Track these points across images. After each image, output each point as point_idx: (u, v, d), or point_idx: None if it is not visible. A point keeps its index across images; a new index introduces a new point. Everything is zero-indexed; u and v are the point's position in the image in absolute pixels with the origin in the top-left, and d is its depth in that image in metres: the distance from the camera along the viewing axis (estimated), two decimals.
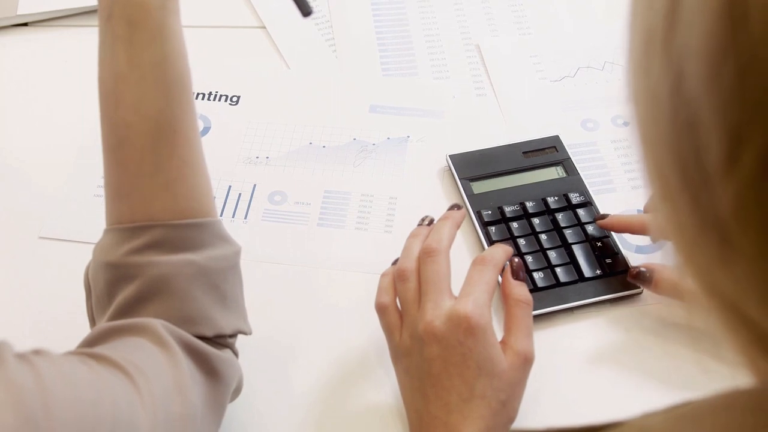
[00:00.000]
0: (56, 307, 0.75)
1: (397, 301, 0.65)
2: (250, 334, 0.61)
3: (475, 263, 0.64)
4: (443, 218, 0.68)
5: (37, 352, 0.46)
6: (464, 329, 0.59)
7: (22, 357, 0.45)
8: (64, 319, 0.73)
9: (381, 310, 0.65)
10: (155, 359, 0.52)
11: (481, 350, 0.59)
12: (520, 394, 0.62)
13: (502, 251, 0.66)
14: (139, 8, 0.56)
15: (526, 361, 0.61)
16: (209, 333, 0.57)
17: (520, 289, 0.64)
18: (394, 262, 0.69)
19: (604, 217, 0.75)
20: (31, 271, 0.78)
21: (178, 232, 0.57)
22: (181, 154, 0.58)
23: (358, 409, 0.68)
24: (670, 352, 0.71)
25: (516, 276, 0.65)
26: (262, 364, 0.70)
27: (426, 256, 0.64)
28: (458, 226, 0.68)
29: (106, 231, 0.59)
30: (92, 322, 0.61)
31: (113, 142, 0.58)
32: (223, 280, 0.59)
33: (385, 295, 0.66)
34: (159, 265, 0.56)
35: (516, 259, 0.66)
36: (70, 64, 0.98)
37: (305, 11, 0.63)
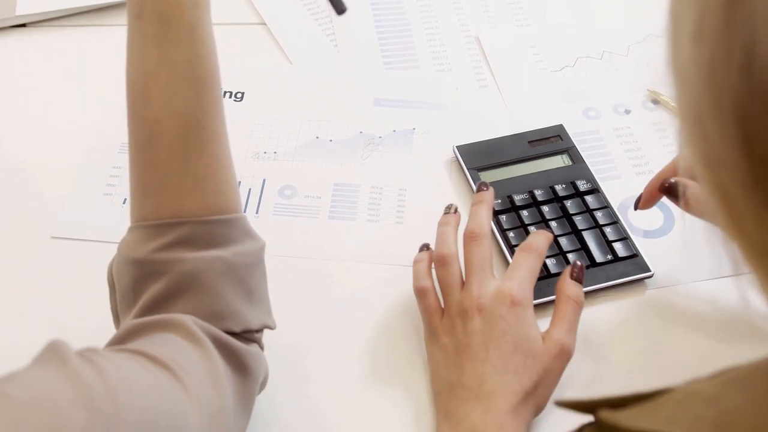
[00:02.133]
0: (71, 306, 0.75)
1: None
2: (275, 328, 0.62)
3: (522, 249, 0.68)
4: (478, 202, 0.71)
5: (92, 350, 0.47)
6: (508, 305, 0.64)
7: (82, 356, 0.45)
8: (79, 317, 0.73)
9: (422, 293, 0.68)
10: (189, 355, 0.53)
11: (520, 328, 0.63)
12: (552, 383, 0.64)
13: (544, 238, 0.70)
14: (173, 6, 0.56)
15: (562, 351, 0.64)
16: (237, 328, 0.57)
17: (574, 288, 0.66)
18: (422, 249, 0.72)
19: (638, 201, 0.75)
20: (45, 271, 0.78)
21: (206, 229, 0.57)
22: (210, 150, 0.58)
23: (377, 398, 0.69)
24: (679, 335, 0.72)
25: (576, 278, 0.67)
26: (279, 356, 0.71)
27: (470, 240, 0.68)
28: (492, 207, 0.72)
29: (132, 228, 0.59)
30: (116, 318, 0.61)
31: (141, 139, 0.58)
32: (249, 276, 0.59)
33: (424, 279, 0.69)
34: (188, 262, 0.56)
35: (579, 263, 0.68)
36: (71, 64, 0.98)
37: (339, 9, 0.64)
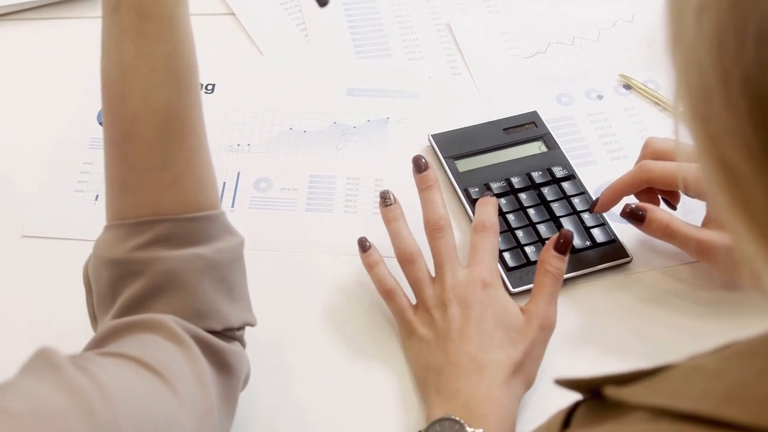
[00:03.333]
0: (45, 307, 0.73)
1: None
2: (256, 325, 0.61)
3: (476, 229, 0.69)
4: (427, 187, 0.71)
5: (82, 357, 0.46)
6: (480, 287, 0.66)
7: (75, 364, 0.44)
8: (53, 318, 0.72)
9: (390, 294, 0.68)
10: (174, 357, 0.52)
11: (496, 303, 0.65)
12: (539, 356, 0.65)
13: (492, 208, 0.71)
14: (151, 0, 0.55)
15: (543, 325, 0.65)
16: (218, 327, 0.57)
17: (555, 260, 0.67)
18: (365, 247, 0.71)
19: (595, 203, 0.75)
20: (17, 272, 0.76)
21: (185, 227, 0.56)
22: (189, 146, 0.57)
23: (361, 391, 0.69)
24: (661, 318, 0.73)
25: (561, 251, 0.67)
26: (260, 352, 0.70)
27: (435, 232, 0.69)
28: (440, 187, 0.72)
29: (108, 227, 0.58)
30: (93, 320, 0.60)
31: (118, 135, 0.57)
32: (230, 273, 0.58)
33: (387, 281, 0.69)
34: (167, 260, 0.55)
35: (567, 232, 0.67)
36: (37, 58, 0.96)
37: (322, 2, 0.63)
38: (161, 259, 0.55)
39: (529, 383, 0.64)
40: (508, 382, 0.62)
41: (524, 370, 0.64)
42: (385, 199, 0.72)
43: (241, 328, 0.60)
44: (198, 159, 0.58)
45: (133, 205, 0.56)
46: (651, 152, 0.73)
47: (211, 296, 0.56)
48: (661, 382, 0.38)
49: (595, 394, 0.42)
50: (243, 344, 0.61)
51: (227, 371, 0.57)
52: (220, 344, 0.56)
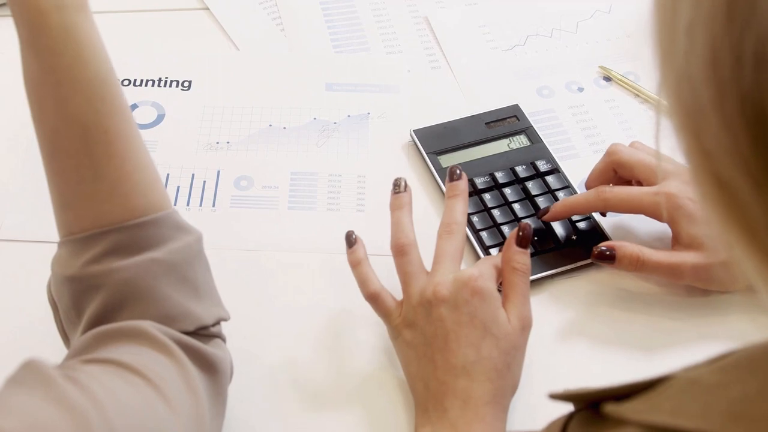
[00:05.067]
0: (23, 311, 0.72)
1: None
2: (229, 318, 0.60)
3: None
4: (453, 195, 0.69)
5: (71, 367, 0.44)
6: (470, 289, 0.62)
7: (65, 376, 0.43)
8: (30, 322, 0.70)
9: (374, 298, 0.66)
10: (162, 363, 0.51)
11: (486, 310, 0.62)
12: (522, 359, 0.64)
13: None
14: (35, 12, 0.52)
15: (524, 327, 0.63)
16: (191, 327, 0.55)
17: (519, 257, 0.65)
18: (350, 241, 0.69)
19: (546, 211, 0.75)
20: None
21: (133, 233, 0.54)
22: (118, 152, 0.55)
23: (346, 391, 0.68)
24: (647, 313, 0.73)
25: (523, 244, 0.65)
26: (242, 353, 0.69)
27: (446, 232, 0.67)
28: (467, 199, 0.70)
29: (60, 243, 0.57)
30: (65, 338, 0.59)
31: (47, 151, 0.55)
32: (191, 271, 0.57)
33: (371, 284, 0.67)
34: (122, 270, 0.53)
35: (525, 225, 0.66)
36: (4, 56, 0.94)
37: None
38: (116, 270, 0.53)
39: (514, 388, 0.63)
40: (496, 397, 0.60)
41: (510, 376, 0.62)
42: (396, 186, 0.70)
43: (216, 324, 0.58)
44: (132, 164, 0.55)
45: (75, 219, 0.55)
46: (615, 162, 0.74)
47: (175, 298, 0.55)
48: (659, 397, 0.37)
49: (589, 405, 0.42)
50: (222, 339, 0.60)
51: (212, 371, 0.56)
52: (201, 345, 0.55)
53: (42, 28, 0.53)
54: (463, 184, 0.70)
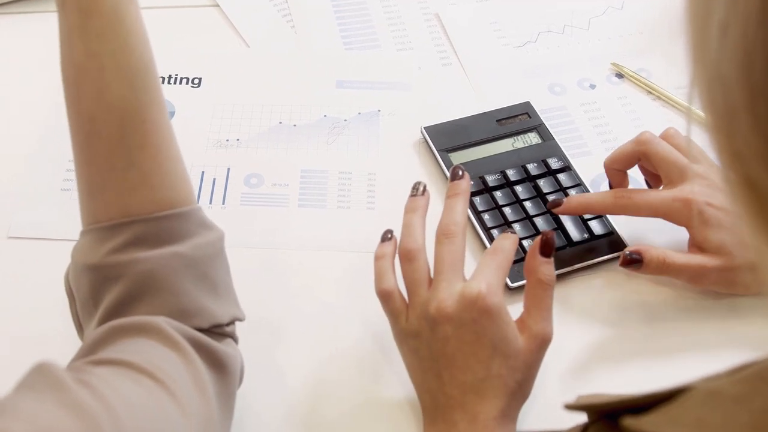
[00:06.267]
0: (33, 308, 0.72)
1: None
2: (244, 319, 0.60)
3: (487, 253, 0.64)
4: (454, 194, 0.66)
5: (82, 370, 0.44)
6: (478, 308, 0.59)
7: (77, 379, 0.43)
8: (41, 321, 0.70)
9: (385, 296, 0.63)
10: (172, 361, 0.51)
11: (495, 330, 0.59)
12: (535, 374, 0.62)
13: (510, 242, 0.64)
14: None
15: (543, 344, 0.61)
16: (205, 324, 0.55)
17: (545, 267, 0.62)
18: (385, 237, 0.67)
19: (558, 203, 0.73)
20: (3, 274, 0.74)
21: (159, 225, 0.54)
22: (153, 142, 0.55)
23: (354, 391, 0.68)
24: (661, 312, 0.72)
25: (546, 253, 0.62)
26: (252, 351, 0.69)
27: (444, 237, 0.63)
28: (469, 197, 0.67)
29: (83, 232, 0.56)
30: (79, 329, 0.59)
31: (80, 138, 0.55)
32: (212, 268, 0.57)
33: (386, 280, 0.63)
34: (144, 262, 0.53)
35: (548, 233, 0.63)
36: (16, 53, 0.94)
37: None
38: (138, 261, 0.53)
39: (525, 399, 0.61)
40: (505, 412, 0.59)
41: (522, 392, 0.60)
42: (413, 189, 0.68)
43: (231, 323, 0.58)
44: (164, 155, 0.56)
45: (103, 207, 0.55)
46: (643, 152, 0.73)
47: (194, 294, 0.55)
48: (679, 409, 0.37)
49: (604, 416, 0.41)
50: (235, 340, 0.59)
51: (222, 370, 0.55)
52: (213, 343, 0.55)
53: (93, 11, 0.53)
54: (464, 184, 0.67)
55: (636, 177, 0.77)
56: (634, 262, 0.68)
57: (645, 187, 0.76)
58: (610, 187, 0.76)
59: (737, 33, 0.28)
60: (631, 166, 0.75)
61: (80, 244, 0.56)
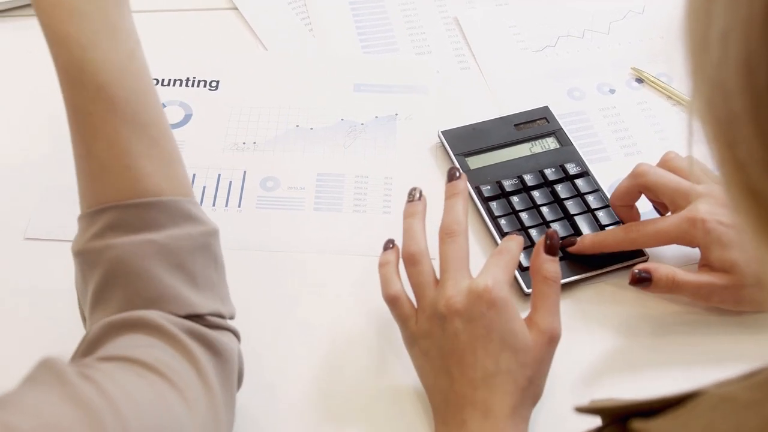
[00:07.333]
0: (49, 310, 0.72)
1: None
2: (233, 317, 0.59)
3: (493, 254, 0.65)
4: (452, 195, 0.67)
5: (86, 365, 0.44)
6: (486, 301, 0.60)
7: (80, 374, 0.43)
8: (56, 321, 0.70)
9: (393, 301, 0.64)
10: (174, 356, 0.51)
11: (503, 323, 0.60)
12: (546, 372, 0.62)
13: (516, 243, 0.66)
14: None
15: (551, 340, 0.61)
16: (182, 312, 0.54)
17: (549, 265, 0.63)
18: (387, 246, 0.68)
19: (572, 243, 0.73)
20: (20, 275, 0.75)
21: (134, 212, 0.54)
22: (151, 133, 0.56)
23: (370, 392, 0.67)
24: (678, 316, 0.71)
25: (552, 251, 0.63)
26: (266, 353, 0.69)
27: (447, 236, 0.64)
28: (468, 197, 0.68)
29: (77, 220, 0.58)
30: (83, 318, 0.59)
31: (73, 129, 0.57)
32: (190, 260, 0.56)
33: (393, 286, 0.64)
34: (116, 247, 0.54)
35: (552, 232, 0.64)
36: (34, 56, 0.94)
37: None
38: (111, 247, 0.54)
39: (537, 399, 0.61)
40: (516, 409, 0.58)
41: (532, 389, 0.60)
42: (410, 195, 0.69)
43: (216, 316, 0.57)
44: (145, 145, 0.56)
45: (90, 195, 0.56)
46: (641, 185, 0.73)
47: (168, 281, 0.54)
48: (689, 414, 0.36)
49: (616, 419, 0.41)
50: (235, 334, 0.58)
51: (219, 356, 0.55)
52: (208, 331, 0.55)
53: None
54: (462, 184, 0.68)
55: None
56: (644, 280, 0.68)
57: (657, 215, 0.75)
58: (622, 223, 0.75)
59: (739, 39, 0.28)
60: (634, 200, 0.75)
61: (76, 233, 0.57)
